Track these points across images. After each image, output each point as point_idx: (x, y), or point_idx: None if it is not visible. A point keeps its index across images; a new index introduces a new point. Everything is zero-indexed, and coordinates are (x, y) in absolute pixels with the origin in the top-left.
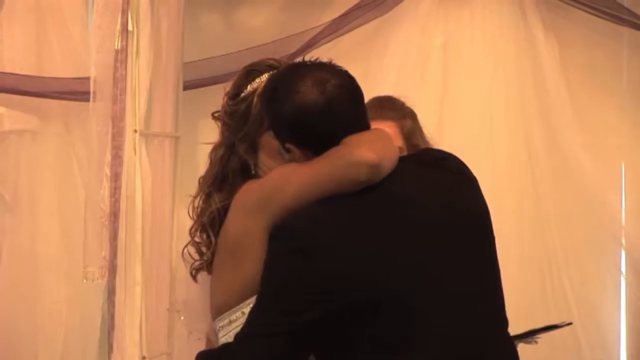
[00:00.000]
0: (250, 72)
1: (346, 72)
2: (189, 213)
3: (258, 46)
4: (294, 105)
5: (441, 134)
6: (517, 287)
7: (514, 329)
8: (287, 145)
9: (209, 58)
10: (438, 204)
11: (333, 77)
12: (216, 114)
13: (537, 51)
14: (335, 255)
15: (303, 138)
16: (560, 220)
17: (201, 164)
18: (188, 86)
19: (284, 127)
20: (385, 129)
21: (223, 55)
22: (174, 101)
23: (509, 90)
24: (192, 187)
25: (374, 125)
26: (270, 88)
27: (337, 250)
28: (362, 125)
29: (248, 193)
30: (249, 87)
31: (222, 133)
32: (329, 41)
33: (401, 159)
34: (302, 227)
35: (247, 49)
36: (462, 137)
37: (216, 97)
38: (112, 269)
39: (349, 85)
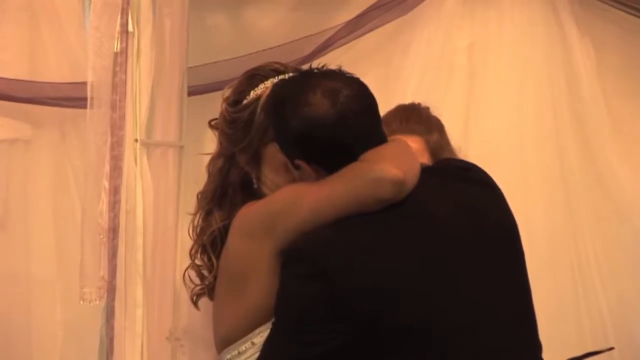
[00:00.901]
0: (253, 77)
1: (357, 80)
2: (189, 233)
3: (268, 49)
4: (304, 119)
5: (467, 143)
6: (549, 305)
7: (546, 351)
8: (297, 162)
9: (216, 62)
10: (464, 221)
11: (345, 87)
12: (213, 122)
13: (571, 54)
14: (353, 280)
15: (314, 154)
16: (595, 237)
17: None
18: (193, 92)
19: (294, 143)
20: (410, 144)
21: (230, 58)
22: (177, 108)
23: (539, 96)
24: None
25: (401, 138)
26: (277, 100)
27: (354, 275)
28: (377, 136)
29: (250, 214)
30: (252, 93)
31: (221, 143)
32: (344, 43)
33: (421, 171)
34: (316, 252)
35: (256, 52)
36: (490, 147)
37: None
38: (111, 290)
39: (362, 95)
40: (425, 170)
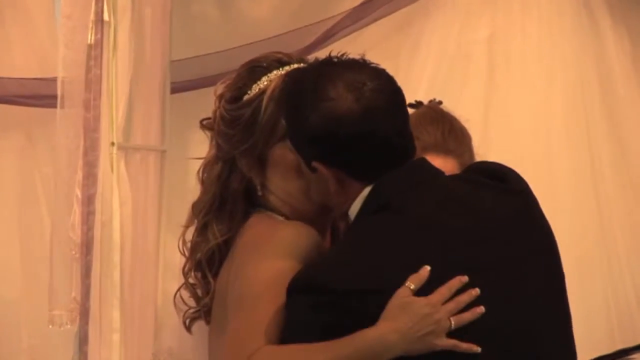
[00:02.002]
0: (255, 69)
1: (384, 71)
2: (179, 248)
3: (262, 41)
4: (324, 116)
5: (487, 147)
6: (578, 314)
7: None
8: (314, 164)
9: (202, 55)
10: (500, 237)
11: (370, 80)
12: (205, 122)
13: (604, 46)
14: (372, 308)
15: (334, 155)
16: (630, 249)
17: (193, 184)
18: (177, 89)
19: (311, 142)
20: (444, 165)
21: (219, 51)
22: (159, 107)
23: (568, 93)
24: (182, 211)
25: (437, 158)
26: (292, 93)
27: (374, 301)
28: (405, 138)
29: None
30: (254, 87)
31: (218, 145)
32: (349, 33)
33: (452, 178)
34: (328, 276)
35: (248, 44)
36: (512, 151)
37: (211, 102)
38: (84, 313)
39: (390, 89)
40: (455, 177)
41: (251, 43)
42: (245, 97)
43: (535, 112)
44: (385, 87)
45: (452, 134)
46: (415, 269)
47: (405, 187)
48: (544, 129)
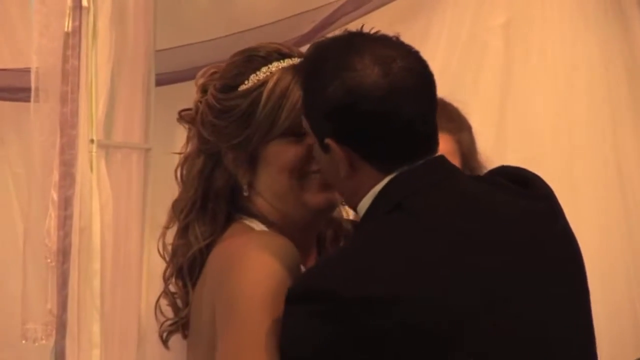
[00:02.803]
0: (252, 59)
1: (417, 53)
2: (159, 250)
3: (254, 28)
4: (346, 86)
5: (503, 145)
6: (605, 331)
7: None
8: (327, 141)
9: (190, 44)
10: (518, 241)
11: (401, 57)
12: (184, 113)
13: (631, 37)
14: (378, 318)
15: (350, 131)
16: None
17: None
18: (162, 81)
19: (327, 116)
20: (440, 143)
21: (208, 40)
22: (142, 101)
23: (592, 87)
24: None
25: None
26: (314, 61)
27: (380, 310)
28: (429, 125)
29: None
30: (252, 77)
31: (201, 138)
32: (350, 21)
33: (472, 179)
34: (328, 281)
35: (239, 33)
36: (531, 149)
37: None
38: (61, 327)
39: (421, 71)
40: (476, 179)
41: (243, 31)
42: (242, 87)
43: (557, 107)
44: (417, 67)
45: (444, 111)
46: (426, 273)
47: (421, 186)
48: (566, 126)
